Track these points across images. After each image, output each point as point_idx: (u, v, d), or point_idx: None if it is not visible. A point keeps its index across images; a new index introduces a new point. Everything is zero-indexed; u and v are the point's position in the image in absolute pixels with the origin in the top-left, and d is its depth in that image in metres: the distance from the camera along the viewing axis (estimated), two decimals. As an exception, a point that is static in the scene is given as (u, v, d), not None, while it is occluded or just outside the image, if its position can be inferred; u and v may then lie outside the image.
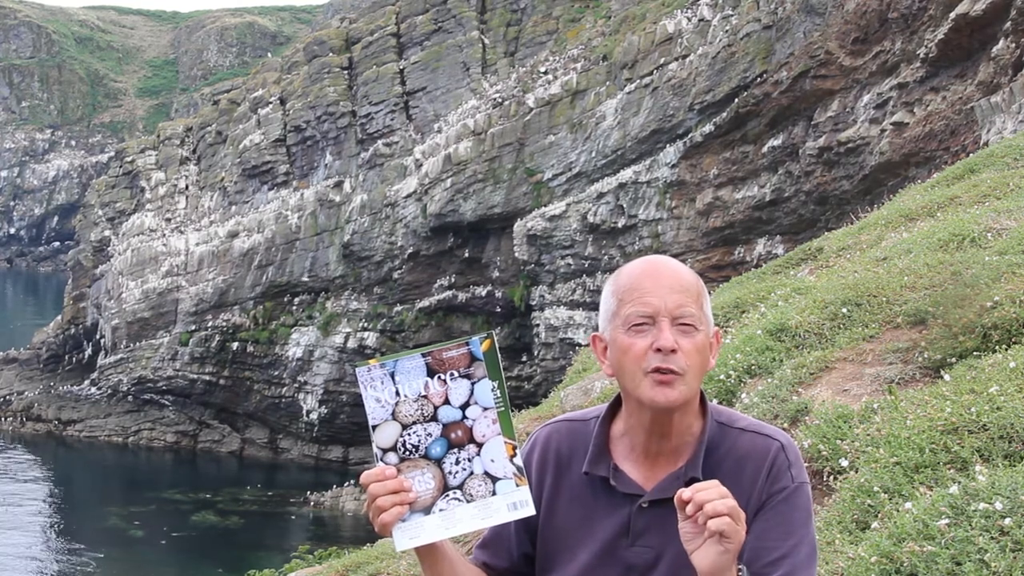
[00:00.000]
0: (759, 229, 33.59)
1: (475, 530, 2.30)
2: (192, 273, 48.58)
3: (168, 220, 51.25)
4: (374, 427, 2.28)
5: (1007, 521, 3.74)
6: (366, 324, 45.10)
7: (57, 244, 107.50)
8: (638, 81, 36.81)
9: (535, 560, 2.49)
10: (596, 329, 2.46)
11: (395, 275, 44.14)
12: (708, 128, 34.12)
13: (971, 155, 14.73)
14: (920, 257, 8.30)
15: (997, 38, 22.96)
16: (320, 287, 46.39)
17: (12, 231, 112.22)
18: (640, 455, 2.42)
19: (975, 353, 6.04)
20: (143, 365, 48.73)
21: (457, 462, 2.27)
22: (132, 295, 49.09)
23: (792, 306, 8.41)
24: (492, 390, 2.27)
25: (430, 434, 2.27)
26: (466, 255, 42.32)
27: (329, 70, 48.47)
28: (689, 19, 36.20)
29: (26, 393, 52.95)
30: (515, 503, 2.26)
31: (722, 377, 7.30)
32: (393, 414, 2.27)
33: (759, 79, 32.30)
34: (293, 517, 38.01)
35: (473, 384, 2.28)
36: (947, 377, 5.80)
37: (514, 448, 2.28)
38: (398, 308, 44.44)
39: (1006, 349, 5.77)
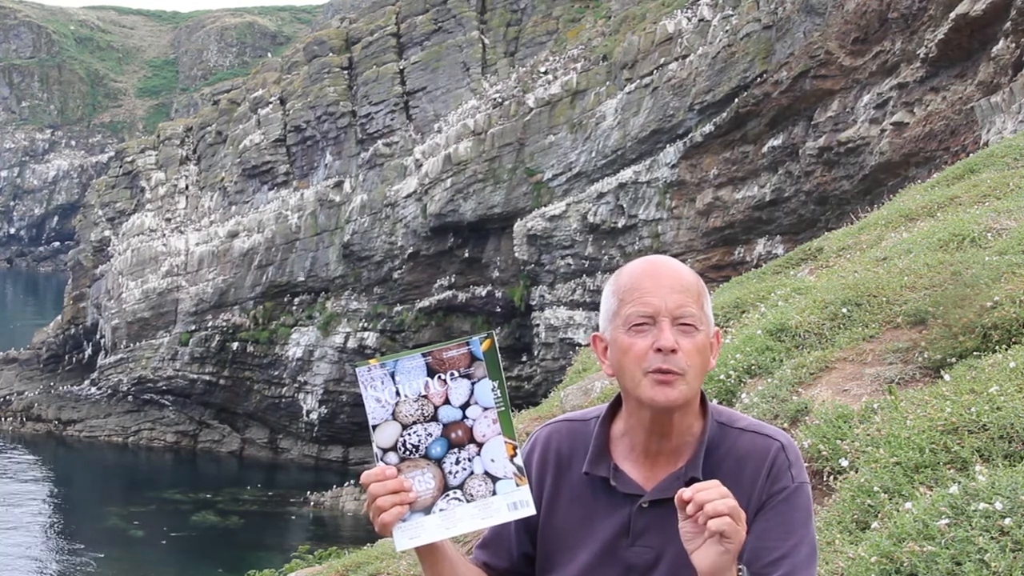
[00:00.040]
0: (759, 229, 33.59)
1: (475, 530, 2.30)
2: (192, 273, 48.58)
3: (168, 220, 51.25)
4: (374, 427, 2.28)
5: (1007, 521, 3.74)
6: (366, 324, 45.10)
7: (57, 244, 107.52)
8: (638, 81, 36.82)
9: (535, 560, 2.49)
10: (596, 329, 2.46)
11: (395, 275, 44.14)
12: (708, 128, 34.13)
13: (971, 155, 14.74)
14: (920, 257, 8.30)
15: (997, 38, 22.97)
16: (320, 287, 46.40)
17: (12, 231, 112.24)
18: (640, 455, 2.42)
19: (975, 353, 6.04)
20: (143, 365, 48.74)
21: (457, 462, 2.27)
22: (132, 295, 49.10)
23: (792, 306, 8.41)
24: (492, 390, 2.27)
25: (430, 434, 2.27)
26: (466, 255, 42.32)
27: (329, 70, 48.48)
28: (689, 19, 36.20)
29: (26, 393, 52.96)
30: (515, 503, 2.26)
31: (722, 377, 7.30)
32: (393, 414, 2.27)
33: (759, 79, 32.30)
34: (293, 517, 38.01)
35: (473, 384, 2.28)
36: (947, 377, 5.80)
37: (514, 448, 2.28)
38: (398, 308, 44.45)
39: (1006, 349, 5.77)
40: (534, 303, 40.24)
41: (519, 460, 2.28)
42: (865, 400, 5.96)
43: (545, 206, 38.87)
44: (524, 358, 41.17)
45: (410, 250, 43.23)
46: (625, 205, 36.79)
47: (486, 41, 46.55)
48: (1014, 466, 4.28)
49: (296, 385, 46.21)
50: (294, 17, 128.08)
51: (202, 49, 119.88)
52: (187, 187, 52.58)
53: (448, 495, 2.26)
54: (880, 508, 4.50)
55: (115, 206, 54.22)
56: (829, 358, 6.90)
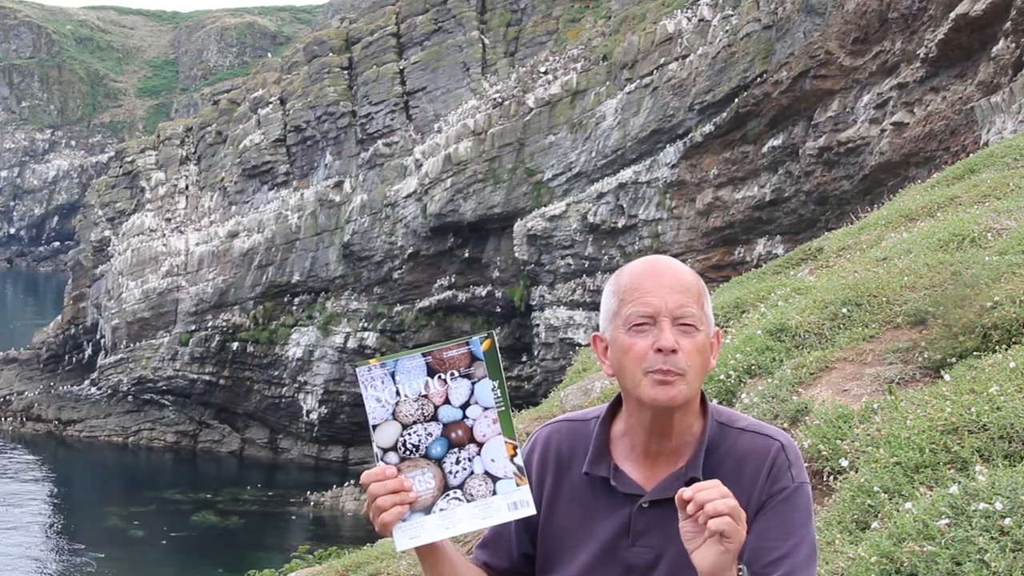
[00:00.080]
0: (759, 229, 33.60)
1: (475, 530, 2.30)
2: (192, 273, 48.58)
3: (168, 220, 51.26)
4: (374, 427, 2.28)
5: (1007, 521, 3.74)
6: (366, 324, 45.10)
7: (57, 244, 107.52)
8: (638, 81, 36.82)
9: (535, 560, 2.49)
10: (596, 329, 2.46)
11: (395, 275, 44.14)
12: (708, 128, 34.13)
13: (971, 155, 14.73)
14: (920, 257, 8.30)
15: (997, 38, 22.97)
16: (320, 287, 46.40)
17: (12, 231, 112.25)
18: (640, 455, 2.42)
19: (975, 353, 6.04)
20: (143, 365, 48.74)
21: (457, 462, 2.27)
22: (132, 295, 49.10)
23: (792, 306, 8.41)
24: (492, 390, 2.27)
25: (430, 434, 2.27)
26: (466, 255, 42.33)
27: (329, 70, 48.48)
28: (689, 19, 36.20)
29: (26, 393, 52.96)
30: (515, 503, 2.26)
31: (722, 377, 7.30)
32: (393, 414, 2.27)
33: (759, 79, 32.30)
34: (293, 517, 38.01)
35: (473, 384, 2.28)
36: (947, 377, 5.80)
37: (515, 448, 2.28)
38: (398, 308, 44.45)
39: (1006, 349, 5.77)
40: (534, 303, 40.24)
41: (519, 460, 2.28)
42: (865, 400, 5.96)
43: (545, 206, 38.88)
44: (524, 358, 41.17)
45: (410, 250, 43.24)
46: (625, 205, 36.80)
47: (486, 41, 46.55)
48: (1014, 466, 4.28)
49: (296, 385, 46.21)
50: (294, 17, 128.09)
51: (202, 49, 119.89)
52: (187, 187, 52.59)
53: (448, 495, 2.26)
54: (880, 508, 4.50)
55: (115, 206, 54.23)
56: (829, 358, 6.90)
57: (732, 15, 34.55)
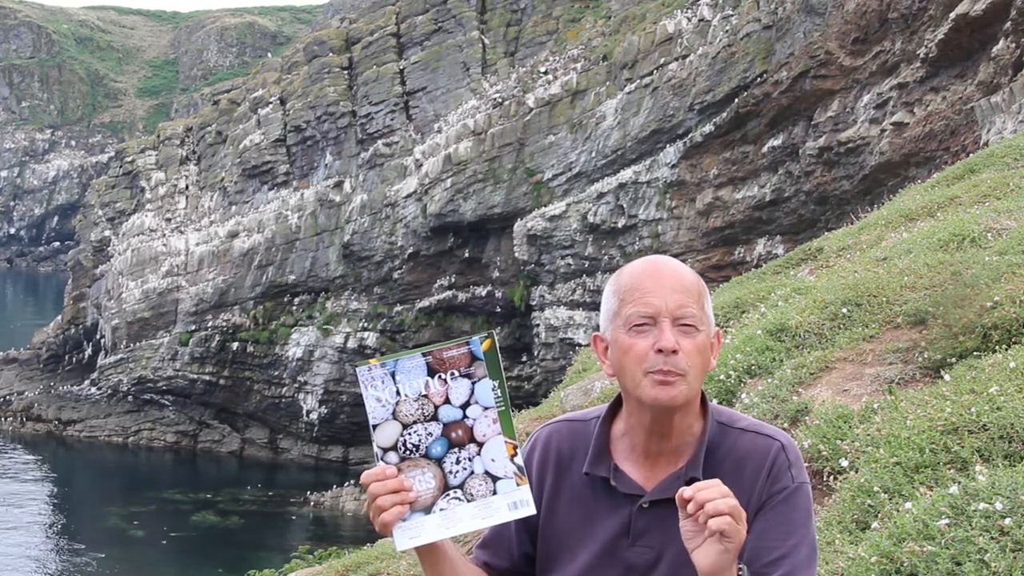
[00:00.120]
0: (759, 229, 33.60)
1: (475, 530, 2.30)
2: (192, 273, 48.59)
3: (168, 220, 51.26)
4: (374, 426, 2.28)
5: (1007, 521, 3.74)
6: (366, 324, 45.10)
7: (57, 244, 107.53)
8: (638, 81, 36.82)
9: (535, 560, 2.49)
10: (596, 329, 2.46)
11: (395, 275, 44.14)
12: (708, 128, 34.13)
13: (971, 155, 14.73)
14: (920, 257, 8.30)
15: (997, 38, 22.97)
16: (320, 287, 46.40)
17: (12, 231, 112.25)
18: (640, 455, 2.42)
19: (975, 353, 6.04)
20: (143, 365, 48.74)
21: (458, 461, 2.27)
22: (132, 295, 49.10)
23: (792, 306, 8.41)
24: (493, 389, 2.27)
25: (431, 433, 2.27)
26: (466, 255, 42.33)
27: (329, 70, 48.48)
28: (689, 19, 36.20)
29: (26, 393, 52.96)
30: (516, 503, 2.26)
31: (722, 377, 7.30)
32: (394, 413, 2.27)
33: (759, 79, 32.30)
34: (293, 517, 38.00)
35: (474, 384, 2.27)
36: (947, 377, 5.80)
37: (515, 448, 2.28)
38: (398, 308, 44.45)
39: (1006, 349, 5.77)
40: (534, 303, 40.25)
41: (519, 460, 2.28)
42: (865, 400, 5.96)
43: (545, 206, 38.88)
44: (524, 358, 41.17)
45: (410, 250, 43.24)
46: (625, 205, 36.80)
47: (486, 41, 46.55)
48: (1014, 466, 4.28)
49: (296, 385, 46.21)
50: (294, 17, 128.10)
51: (202, 49, 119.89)
52: (187, 187, 52.59)
53: (448, 495, 2.26)
54: (880, 508, 4.50)
55: (115, 206, 54.23)
56: (829, 358, 6.90)
57: (732, 15, 34.55)
